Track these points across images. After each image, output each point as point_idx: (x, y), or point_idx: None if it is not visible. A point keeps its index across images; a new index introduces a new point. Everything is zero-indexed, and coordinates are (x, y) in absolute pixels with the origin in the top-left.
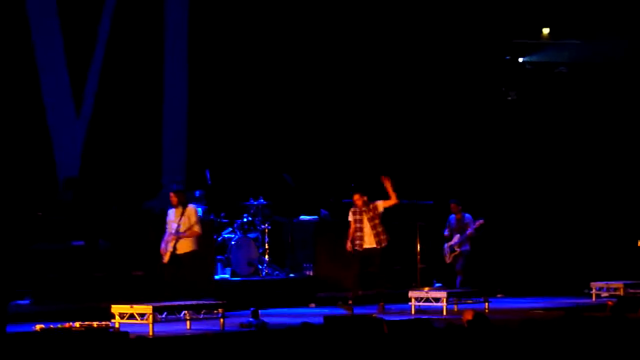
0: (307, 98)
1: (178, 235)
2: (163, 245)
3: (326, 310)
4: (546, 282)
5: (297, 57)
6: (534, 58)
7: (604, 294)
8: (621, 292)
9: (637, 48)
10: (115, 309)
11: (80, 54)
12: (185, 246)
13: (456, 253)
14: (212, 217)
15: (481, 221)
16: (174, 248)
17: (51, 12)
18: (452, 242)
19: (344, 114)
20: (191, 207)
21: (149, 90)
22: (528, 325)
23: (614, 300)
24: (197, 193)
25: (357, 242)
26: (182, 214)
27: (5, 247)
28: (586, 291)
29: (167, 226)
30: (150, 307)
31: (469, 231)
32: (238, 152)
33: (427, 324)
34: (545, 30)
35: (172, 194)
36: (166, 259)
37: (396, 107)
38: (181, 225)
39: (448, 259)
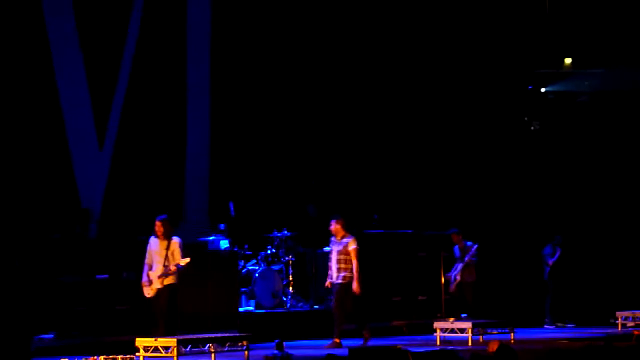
0: (328, 131)
1: (167, 273)
2: (145, 279)
3: (350, 342)
4: (571, 311)
5: (316, 90)
6: (556, 87)
7: (630, 324)
8: None
9: None
10: (140, 342)
11: (103, 86)
12: (167, 279)
13: (458, 282)
14: (236, 249)
15: (476, 246)
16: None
17: (74, 46)
18: (455, 272)
19: (367, 146)
20: (175, 241)
21: (171, 123)
22: (555, 356)
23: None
24: (222, 226)
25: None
26: (167, 248)
27: (30, 281)
28: (612, 321)
29: (147, 255)
30: (175, 340)
31: (467, 258)
32: (261, 185)
33: (452, 355)
34: (568, 60)
35: (157, 223)
36: (151, 293)
37: (420, 137)
38: (168, 261)
39: (452, 289)
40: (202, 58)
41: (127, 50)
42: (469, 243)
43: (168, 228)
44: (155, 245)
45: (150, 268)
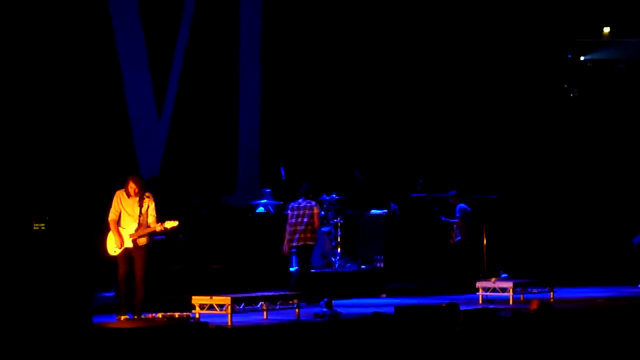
0: (378, 96)
1: (149, 233)
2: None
3: (397, 301)
4: (602, 273)
5: (367, 58)
6: (594, 56)
7: None
8: None
9: None
10: (196, 300)
11: (161, 58)
12: (141, 240)
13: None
14: (287, 213)
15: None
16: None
17: (134, 18)
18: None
19: (413, 112)
20: (151, 199)
21: (225, 92)
22: (593, 314)
23: None
24: (267, 190)
25: None
26: (141, 206)
27: (91, 241)
28: None
29: (114, 211)
30: (229, 298)
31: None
32: (311, 149)
33: (494, 313)
34: (606, 29)
35: (133, 181)
36: (118, 252)
37: (463, 105)
38: (144, 219)
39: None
40: (254, 32)
41: (184, 25)
42: (459, 206)
43: (142, 186)
44: (126, 203)
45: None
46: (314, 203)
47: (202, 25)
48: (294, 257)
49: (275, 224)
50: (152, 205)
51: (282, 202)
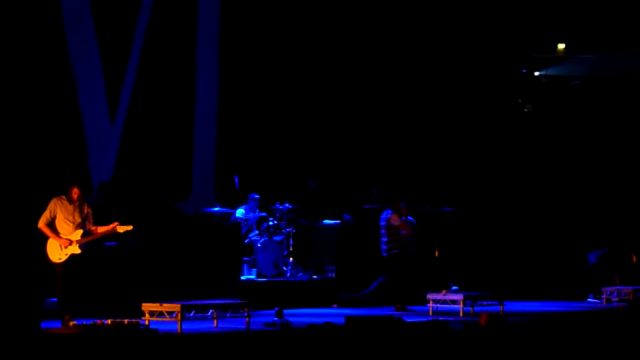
0: (333, 107)
1: (93, 238)
2: (63, 239)
3: (348, 311)
4: (552, 287)
5: (322, 68)
6: (549, 72)
7: (615, 299)
8: (631, 297)
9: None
10: (146, 307)
11: (115, 61)
12: (73, 249)
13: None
14: (238, 220)
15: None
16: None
17: (87, 22)
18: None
19: (367, 123)
20: (88, 207)
21: (180, 98)
22: (544, 328)
23: (624, 305)
24: (255, 196)
25: None
26: (82, 213)
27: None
28: (594, 296)
29: (46, 218)
30: (179, 305)
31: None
32: (265, 158)
33: (444, 325)
34: (561, 45)
35: (74, 188)
36: (63, 258)
37: (418, 117)
38: (85, 227)
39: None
40: (211, 35)
41: (139, 27)
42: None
43: (82, 193)
44: (66, 210)
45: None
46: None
47: (158, 31)
48: (244, 265)
49: (231, 230)
50: (91, 212)
51: (232, 210)
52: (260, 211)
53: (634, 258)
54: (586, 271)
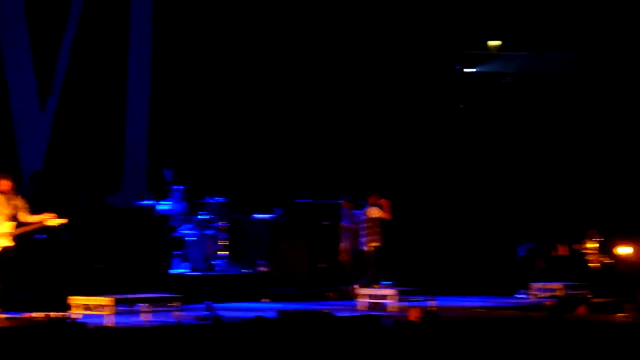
0: (265, 103)
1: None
2: None
3: (279, 305)
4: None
5: (255, 61)
6: (483, 69)
7: (543, 295)
8: (560, 293)
9: (580, 60)
10: (76, 300)
11: (46, 47)
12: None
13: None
14: (183, 212)
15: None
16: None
17: (19, 11)
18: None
19: (301, 118)
20: (22, 198)
21: (113, 87)
22: (473, 324)
23: (553, 300)
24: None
25: None
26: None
27: None
28: (521, 292)
29: None
30: (110, 299)
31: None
32: (198, 151)
33: (375, 320)
34: (494, 43)
35: (6, 179)
36: None
37: (351, 113)
38: (17, 219)
39: (345, 255)
40: (144, 23)
41: (72, 13)
42: (356, 212)
43: (14, 184)
44: None
45: None
46: None
47: (91, 19)
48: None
49: (162, 224)
50: (24, 203)
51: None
52: (188, 204)
53: (559, 249)
54: (516, 265)
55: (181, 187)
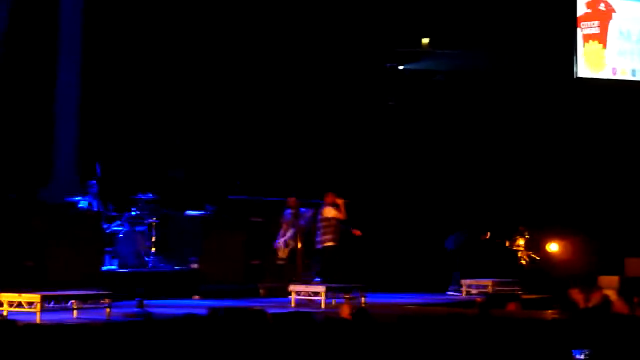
0: (196, 98)
1: None
2: None
3: (210, 302)
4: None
5: (185, 57)
6: (413, 66)
7: (474, 291)
8: (490, 290)
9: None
10: (4, 297)
11: None
12: None
13: (291, 247)
14: (101, 210)
15: (309, 213)
16: None
17: None
18: (286, 237)
19: (232, 115)
20: None
21: (41, 80)
22: (405, 322)
23: (483, 297)
24: (93, 183)
25: None
26: None
27: None
28: (453, 288)
29: None
30: (39, 295)
31: (302, 223)
32: (129, 146)
33: (306, 317)
34: (425, 40)
35: None
36: None
37: (282, 110)
38: None
39: (282, 254)
40: (74, 16)
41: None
42: (303, 209)
43: None
44: None
45: None
46: None
47: (20, 11)
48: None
49: (92, 220)
50: None
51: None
52: (118, 200)
53: (488, 235)
54: (447, 259)
55: (93, 182)
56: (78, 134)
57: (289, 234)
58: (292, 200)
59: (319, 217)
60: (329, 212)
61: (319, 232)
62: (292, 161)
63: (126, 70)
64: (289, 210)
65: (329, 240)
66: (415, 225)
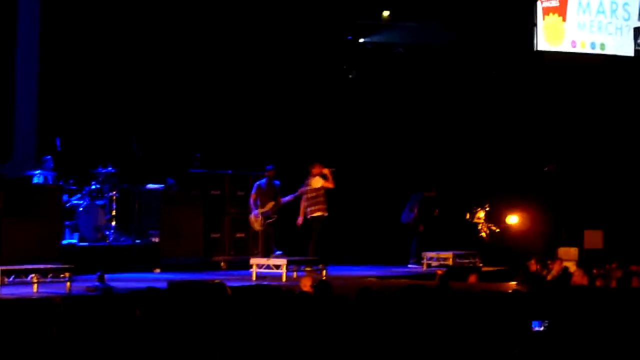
0: (157, 70)
1: None
2: None
3: (170, 276)
4: (376, 252)
5: (148, 31)
6: (374, 39)
7: (434, 264)
8: (450, 262)
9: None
10: None
11: None
12: None
13: (273, 219)
14: (60, 183)
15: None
16: None
17: None
18: (266, 210)
19: (191, 87)
20: None
21: (1, 55)
22: (365, 294)
23: (444, 269)
24: (48, 158)
25: None
26: None
27: None
28: (414, 261)
29: None
30: None
31: (289, 198)
32: (88, 120)
33: (266, 290)
34: (386, 13)
35: None
36: None
37: (241, 82)
38: None
39: (261, 226)
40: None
41: None
42: (276, 182)
43: None
44: None
45: None
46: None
47: None
48: (66, 230)
49: (52, 194)
50: None
51: (57, 173)
52: (57, 173)
53: (434, 191)
54: (404, 233)
55: (48, 157)
56: (38, 109)
57: (269, 207)
58: (272, 172)
59: (306, 188)
60: (317, 182)
61: (307, 204)
62: (252, 134)
63: (85, 43)
64: (264, 181)
65: (319, 211)
66: (378, 199)
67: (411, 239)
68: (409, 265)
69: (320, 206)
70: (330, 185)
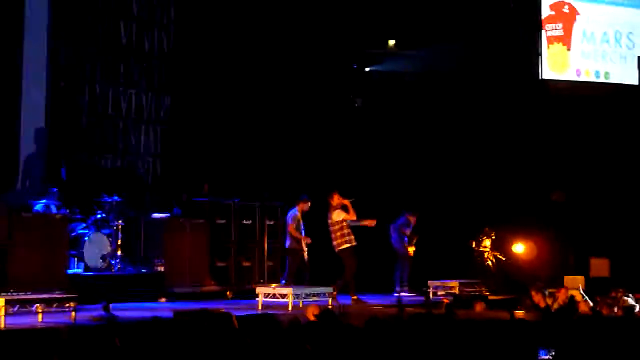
0: (161, 98)
1: None
2: None
3: (176, 305)
4: (384, 280)
5: (157, 55)
6: (380, 67)
7: (440, 292)
8: (456, 290)
9: (472, 60)
10: None
11: None
12: None
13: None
14: (66, 213)
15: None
16: None
17: None
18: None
19: (197, 116)
20: None
21: (7, 83)
22: (374, 323)
23: (450, 298)
24: (54, 190)
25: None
26: None
27: None
28: (424, 289)
29: None
30: (2, 299)
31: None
32: (93, 149)
33: (272, 319)
34: (391, 42)
35: None
36: None
37: (250, 111)
38: None
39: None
40: (40, 12)
41: None
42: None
43: None
44: None
45: None
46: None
47: None
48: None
49: (57, 223)
50: None
51: (61, 202)
52: (83, 203)
53: (415, 239)
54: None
55: (54, 189)
56: (43, 137)
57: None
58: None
59: (328, 221)
60: (339, 215)
61: (332, 237)
62: (260, 163)
63: (91, 68)
64: (296, 210)
65: (346, 243)
66: (384, 226)
67: (401, 264)
68: (402, 294)
69: (346, 238)
70: (352, 217)
